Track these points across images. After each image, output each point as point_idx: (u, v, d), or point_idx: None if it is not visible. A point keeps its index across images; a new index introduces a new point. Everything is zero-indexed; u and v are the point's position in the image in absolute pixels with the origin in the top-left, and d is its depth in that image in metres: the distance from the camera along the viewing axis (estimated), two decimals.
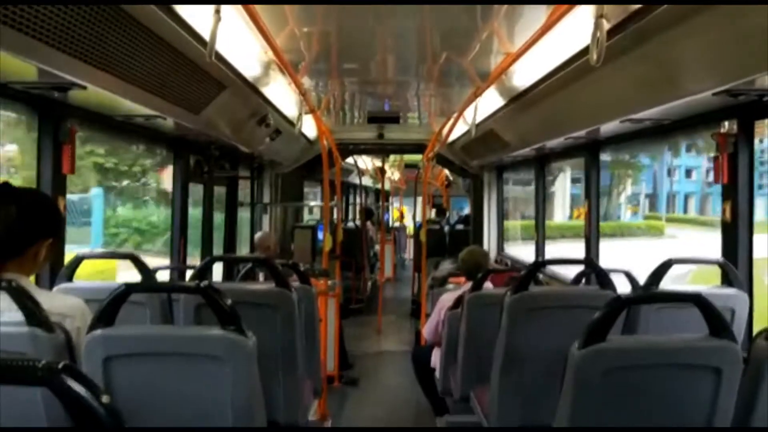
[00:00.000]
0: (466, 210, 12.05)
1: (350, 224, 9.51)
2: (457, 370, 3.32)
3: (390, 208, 15.60)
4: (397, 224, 14.33)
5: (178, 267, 3.97)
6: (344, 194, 11.93)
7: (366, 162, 11.28)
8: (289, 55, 3.41)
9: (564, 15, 2.34)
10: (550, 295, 2.79)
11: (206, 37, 2.29)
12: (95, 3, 1.97)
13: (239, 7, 2.37)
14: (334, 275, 5.36)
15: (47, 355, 1.55)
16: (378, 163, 11.01)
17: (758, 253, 2.81)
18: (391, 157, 10.96)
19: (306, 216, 9.80)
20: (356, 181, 11.04)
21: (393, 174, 13.99)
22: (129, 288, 1.87)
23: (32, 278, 2.41)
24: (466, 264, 4.02)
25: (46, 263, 1.84)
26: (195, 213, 4.58)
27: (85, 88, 2.36)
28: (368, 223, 10.16)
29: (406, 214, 16.08)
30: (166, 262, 4.16)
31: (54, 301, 1.71)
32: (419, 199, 9.96)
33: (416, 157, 10.85)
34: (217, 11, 2.21)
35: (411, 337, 7.11)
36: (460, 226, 9.12)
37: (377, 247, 10.52)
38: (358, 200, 13.12)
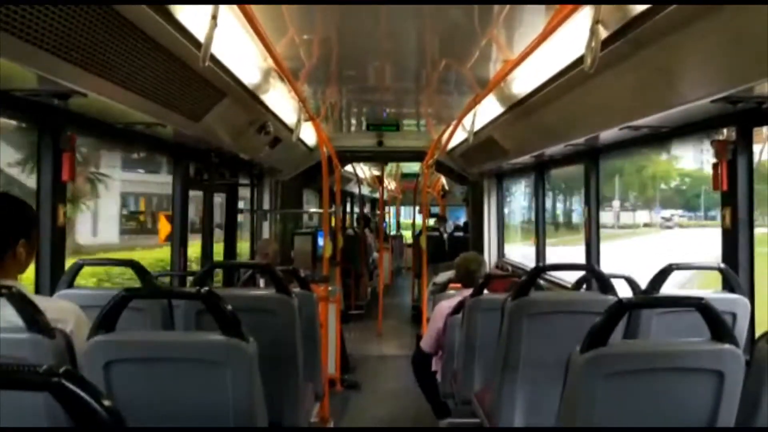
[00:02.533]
0: (462, 219, 12.09)
1: (349, 231, 9.52)
2: (458, 374, 3.32)
3: (387, 216, 15.60)
4: (394, 232, 14.34)
5: (178, 274, 3.97)
6: (343, 202, 11.93)
7: (364, 171, 11.29)
8: (288, 62, 3.42)
9: (563, 22, 2.35)
10: (551, 301, 2.79)
11: (203, 43, 2.30)
12: (96, 3, 1.97)
13: (239, 13, 2.38)
14: (335, 281, 5.36)
15: (48, 361, 1.55)
16: (376, 172, 10.99)
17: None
18: (388, 166, 10.97)
19: (305, 221, 9.80)
20: (355, 189, 11.03)
21: (389, 183, 13.99)
22: (129, 294, 1.87)
23: (32, 285, 2.41)
24: (458, 270, 4.08)
25: (28, 263, 1.83)
26: None
27: (85, 95, 2.36)
28: (366, 230, 10.16)
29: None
30: None
31: (46, 306, 1.71)
32: (415, 208, 10.00)
33: (413, 167, 10.87)
34: (214, 17, 2.21)
35: (411, 341, 7.10)
36: (459, 233, 9.12)
37: (376, 254, 10.53)
38: (356, 209, 13.13)
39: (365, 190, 13.03)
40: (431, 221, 10.71)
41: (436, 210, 12.63)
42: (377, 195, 12.69)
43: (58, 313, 1.73)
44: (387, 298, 10.43)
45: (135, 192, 19.05)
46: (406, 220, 16.33)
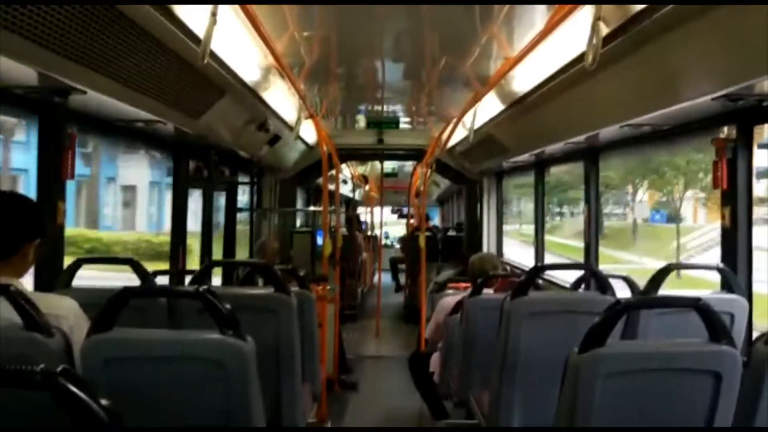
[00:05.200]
0: (435, 220, 11.99)
1: (343, 231, 9.51)
2: (456, 374, 3.32)
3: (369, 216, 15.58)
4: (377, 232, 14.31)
5: (177, 272, 3.97)
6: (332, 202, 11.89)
7: (351, 169, 11.23)
8: (288, 59, 3.42)
9: (563, 19, 2.35)
10: (549, 300, 2.79)
11: (203, 40, 2.30)
12: (96, 3, 1.97)
13: (239, 11, 2.38)
14: (333, 281, 5.36)
15: (46, 360, 1.55)
16: (360, 169, 10.89)
17: None
18: (369, 165, 10.91)
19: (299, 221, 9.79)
20: (342, 188, 10.97)
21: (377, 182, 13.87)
22: (128, 292, 1.87)
23: (31, 282, 2.41)
24: (472, 267, 4.03)
25: (32, 264, 1.85)
26: None
27: (85, 92, 2.36)
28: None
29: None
30: None
31: (46, 302, 1.72)
32: (409, 208, 10.00)
33: (393, 165, 10.81)
34: (214, 14, 2.21)
35: (406, 341, 7.10)
36: (452, 233, 9.10)
37: (365, 255, 10.54)
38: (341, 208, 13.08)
39: (344, 189, 12.97)
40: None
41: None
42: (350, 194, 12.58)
43: (58, 310, 1.75)
44: (373, 298, 10.45)
45: None
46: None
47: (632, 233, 18.11)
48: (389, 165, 10.40)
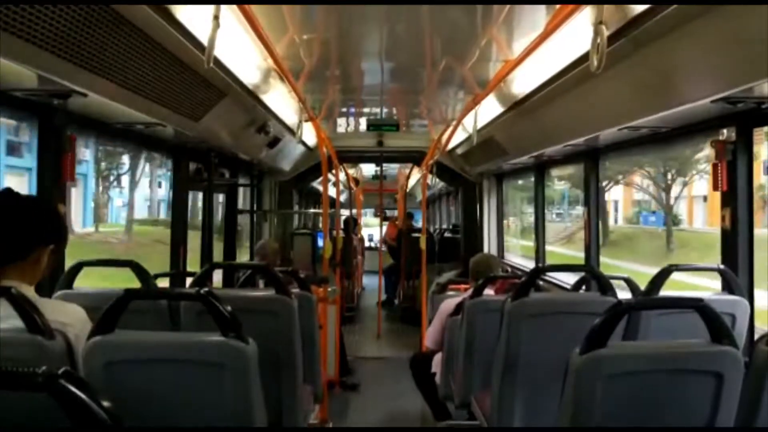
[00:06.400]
0: (419, 222, 11.93)
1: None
2: (458, 375, 3.31)
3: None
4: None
5: (178, 274, 3.97)
6: (316, 203, 11.94)
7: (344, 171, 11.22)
8: (288, 62, 3.42)
9: (563, 22, 2.36)
10: (550, 302, 2.79)
11: (207, 44, 2.30)
12: (96, 3, 1.97)
13: (239, 14, 2.38)
14: (334, 282, 5.36)
15: (48, 362, 1.55)
16: (350, 172, 10.90)
17: None
18: (358, 167, 10.90)
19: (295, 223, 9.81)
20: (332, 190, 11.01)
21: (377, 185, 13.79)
22: (129, 294, 1.86)
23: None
24: (477, 267, 4.01)
25: (47, 271, 1.84)
26: None
27: (85, 95, 2.36)
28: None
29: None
30: None
31: (53, 309, 1.71)
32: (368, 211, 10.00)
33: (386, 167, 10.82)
34: (216, 17, 2.21)
35: (405, 342, 7.10)
36: (449, 234, 9.10)
37: (359, 257, 10.58)
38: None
39: (333, 192, 12.89)
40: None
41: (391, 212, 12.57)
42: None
43: (64, 317, 1.73)
44: (366, 300, 10.45)
45: None
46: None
47: (666, 242, 13.09)
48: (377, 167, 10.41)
